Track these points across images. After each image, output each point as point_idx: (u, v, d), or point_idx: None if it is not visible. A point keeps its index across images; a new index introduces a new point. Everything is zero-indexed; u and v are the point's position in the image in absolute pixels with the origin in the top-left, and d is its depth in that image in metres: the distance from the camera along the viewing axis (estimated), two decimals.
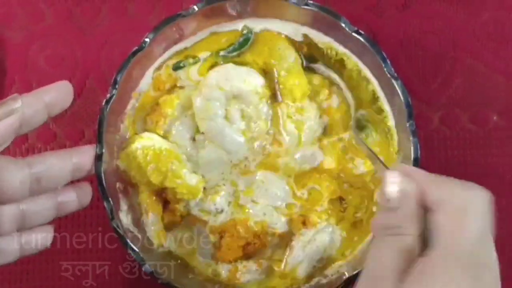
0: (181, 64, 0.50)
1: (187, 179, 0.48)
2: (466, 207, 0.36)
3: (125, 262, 0.49)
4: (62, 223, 0.53)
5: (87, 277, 0.54)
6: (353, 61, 0.49)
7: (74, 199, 0.46)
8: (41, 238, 0.45)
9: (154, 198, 0.50)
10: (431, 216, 0.36)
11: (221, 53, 0.50)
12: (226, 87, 0.48)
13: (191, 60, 0.50)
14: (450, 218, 0.35)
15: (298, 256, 0.49)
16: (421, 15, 0.55)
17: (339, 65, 0.50)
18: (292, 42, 0.50)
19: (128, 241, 0.46)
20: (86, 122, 0.55)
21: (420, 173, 0.38)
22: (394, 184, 0.38)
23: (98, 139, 0.46)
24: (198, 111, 0.49)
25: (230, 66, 0.49)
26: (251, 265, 0.49)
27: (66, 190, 0.46)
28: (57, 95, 0.44)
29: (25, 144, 0.55)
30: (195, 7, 0.47)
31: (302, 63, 0.50)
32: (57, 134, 0.55)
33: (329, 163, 0.49)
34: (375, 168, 0.46)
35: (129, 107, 0.49)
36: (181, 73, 0.50)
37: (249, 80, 0.49)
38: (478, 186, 0.36)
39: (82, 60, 0.56)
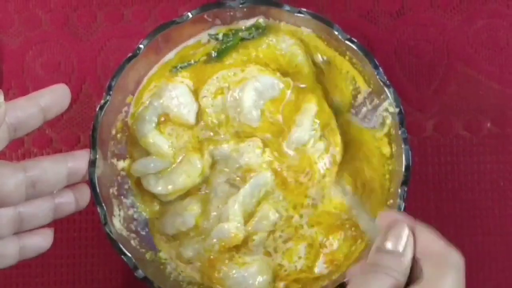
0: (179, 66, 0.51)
1: None
2: (448, 262, 0.38)
3: (122, 265, 0.49)
4: (58, 227, 0.53)
5: (83, 281, 0.54)
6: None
7: (72, 200, 0.46)
8: (40, 241, 0.45)
9: None
10: (415, 263, 0.39)
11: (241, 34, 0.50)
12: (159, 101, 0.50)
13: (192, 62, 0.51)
14: (433, 270, 0.38)
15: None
16: (415, 23, 0.56)
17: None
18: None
19: (121, 246, 0.46)
20: (82, 128, 0.55)
21: (408, 220, 0.41)
22: (402, 229, 0.40)
23: (92, 145, 0.46)
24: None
25: (170, 85, 0.50)
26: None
27: (63, 191, 0.46)
28: (53, 98, 0.44)
29: (21, 149, 0.55)
30: (189, 14, 0.47)
31: None
32: (53, 139, 0.55)
33: None
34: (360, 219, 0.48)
35: (123, 112, 0.50)
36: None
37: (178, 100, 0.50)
38: (454, 249, 0.39)
39: (78, 66, 0.56)
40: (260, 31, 0.50)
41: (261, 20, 0.50)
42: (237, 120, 0.50)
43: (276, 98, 0.50)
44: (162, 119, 0.50)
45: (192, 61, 0.51)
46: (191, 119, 0.50)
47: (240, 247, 0.50)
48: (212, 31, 0.50)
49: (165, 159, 0.50)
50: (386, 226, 0.41)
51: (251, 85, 0.49)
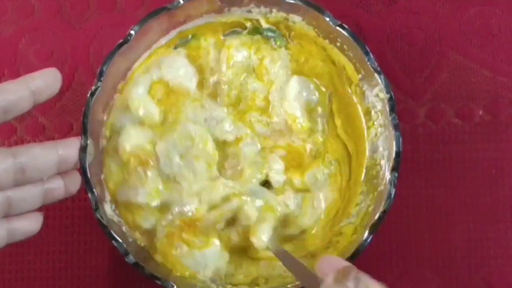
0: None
1: None
2: None
3: (114, 251, 0.49)
4: (51, 214, 0.54)
5: (76, 267, 0.54)
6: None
7: (61, 186, 0.46)
8: (29, 225, 0.45)
9: None
10: None
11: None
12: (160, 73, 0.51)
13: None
14: None
15: None
16: (407, 10, 0.56)
17: None
18: None
19: (112, 232, 0.46)
20: (75, 115, 0.55)
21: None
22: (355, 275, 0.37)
23: (83, 131, 0.46)
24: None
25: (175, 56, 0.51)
26: None
27: (53, 177, 0.46)
28: (43, 82, 0.44)
29: (13, 137, 0.55)
30: (181, 0, 0.48)
31: None
32: (46, 127, 0.55)
33: None
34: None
35: (115, 99, 0.50)
36: None
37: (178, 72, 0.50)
38: None
39: (71, 54, 0.56)
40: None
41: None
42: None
43: None
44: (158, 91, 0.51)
45: (190, 37, 0.51)
46: (192, 87, 0.51)
47: (199, 226, 0.50)
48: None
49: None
50: (334, 272, 0.38)
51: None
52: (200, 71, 0.51)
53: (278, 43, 0.51)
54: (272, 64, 0.51)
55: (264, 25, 0.51)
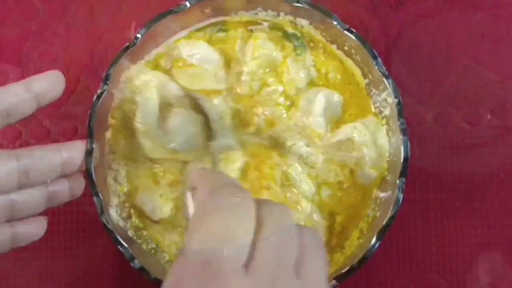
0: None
1: None
2: None
3: (119, 256, 0.49)
4: (56, 219, 0.54)
5: (81, 272, 0.54)
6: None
7: (66, 188, 0.46)
8: (33, 229, 0.45)
9: None
10: None
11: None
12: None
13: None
14: None
15: None
16: (415, 14, 0.55)
17: None
18: None
19: (117, 236, 0.46)
20: (80, 119, 0.55)
21: None
22: None
23: (89, 134, 0.46)
24: None
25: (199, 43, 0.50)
26: None
27: (57, 180, 0.45)
28: (47, 84, 0.44)
29: (18, 141, 0.55)
30: (187, 3, 0.47)
31: None
32: (51, 131, 0.55)
33: None
34: None
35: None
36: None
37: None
38: None
39: (76, 57, 0.56)
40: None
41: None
42: None
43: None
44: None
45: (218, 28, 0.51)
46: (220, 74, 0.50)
47: None
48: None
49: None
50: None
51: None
52: (226, 61, 0.51)
53: (299, 51, 0.51)
54: (294, 64, 0.50)
55: (290, 30, 0.50)
